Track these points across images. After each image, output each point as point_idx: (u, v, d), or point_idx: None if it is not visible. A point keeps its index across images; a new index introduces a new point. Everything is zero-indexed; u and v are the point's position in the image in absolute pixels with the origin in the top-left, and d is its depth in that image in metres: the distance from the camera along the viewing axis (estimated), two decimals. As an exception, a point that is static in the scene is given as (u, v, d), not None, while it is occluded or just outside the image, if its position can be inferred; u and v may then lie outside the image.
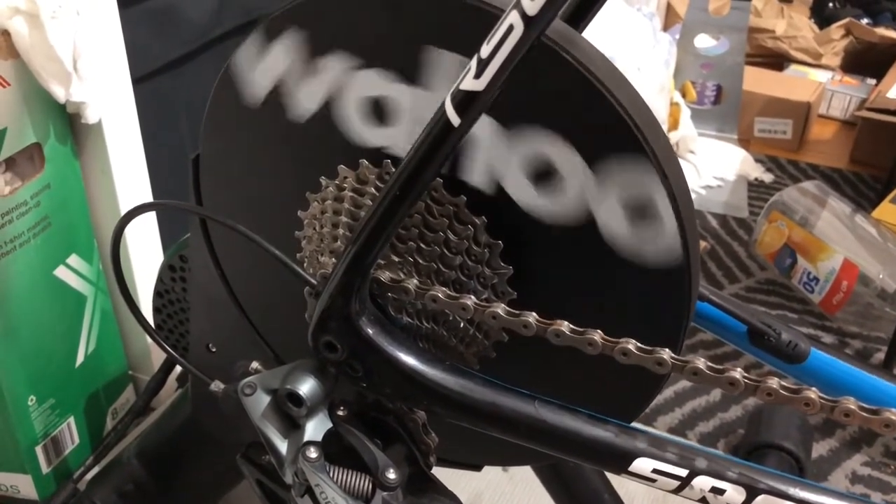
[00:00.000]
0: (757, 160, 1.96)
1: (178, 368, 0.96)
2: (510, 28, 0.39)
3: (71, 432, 0.95)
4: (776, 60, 2.36)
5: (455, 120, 0.41)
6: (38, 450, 0.91)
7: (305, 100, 0.54)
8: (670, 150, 0.48)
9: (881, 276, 1.32)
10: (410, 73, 0.50)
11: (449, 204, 0.50)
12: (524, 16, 0.38)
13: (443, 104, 0.42)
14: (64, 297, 0.90)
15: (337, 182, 0.54)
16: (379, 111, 0.52)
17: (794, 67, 2.32)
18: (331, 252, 0.55)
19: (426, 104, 0.49)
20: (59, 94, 0.79)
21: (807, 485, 0.44)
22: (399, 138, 0.52)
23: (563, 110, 0.47)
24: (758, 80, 2.06)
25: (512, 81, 0.41)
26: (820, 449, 1.14)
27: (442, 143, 0.43)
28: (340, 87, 0.52)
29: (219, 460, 0.79)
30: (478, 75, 0.40)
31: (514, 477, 1.04)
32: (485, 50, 0.40)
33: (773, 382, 0.43)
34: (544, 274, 0.51)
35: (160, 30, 1.01)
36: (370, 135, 0.52)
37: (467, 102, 0.41)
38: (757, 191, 1.85)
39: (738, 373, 0.43)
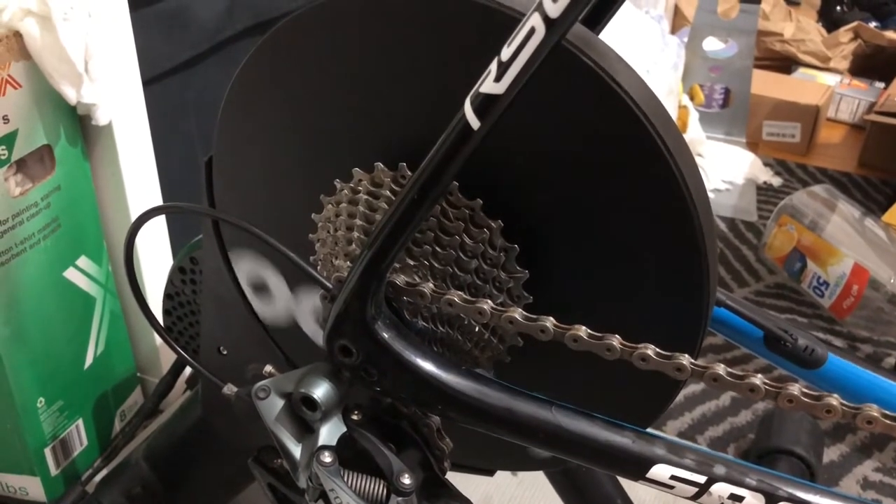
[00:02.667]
0: (765, 164, 1.96)
1: (188, 371, 0.96)
2: (531, 31, 0.38)
3: (79, 434, 0.95)
4: (784, 64, 2.35)
5: (475, 123, 0.41)
6: (47, 452, 0.91)
7: None
8: None
9: (892, 281, 1.31)
10: None
11: (465, 207, 0.50)
12: (546, 18, 0.38)
13: (462, 108, 0.42)
14: (73, 298, 0.90)
15: (351, 185, 0.53)
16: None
17: (802, 71, 2.31)
18: (345, 255, 0.55)
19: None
20: (70, 95, 0.79)
21: (826, 492, 0.44)
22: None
23: None
24: (766, 84, 2.06)
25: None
26: (831, 454, 1.13)
27: (461, 146, 0.42)
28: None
29: (228, 463, 0.79)
30: (498, 78, 0.40)
31: (524, 481, 1.04)
32: (505, 53, 0.39)
33: (794, 389, 0.43)
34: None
35: (170, 32, 1.00)
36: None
37: (487, 105, 0.41)
38: (766, 194, 1.84)
39: (758, 379, 0.43)
